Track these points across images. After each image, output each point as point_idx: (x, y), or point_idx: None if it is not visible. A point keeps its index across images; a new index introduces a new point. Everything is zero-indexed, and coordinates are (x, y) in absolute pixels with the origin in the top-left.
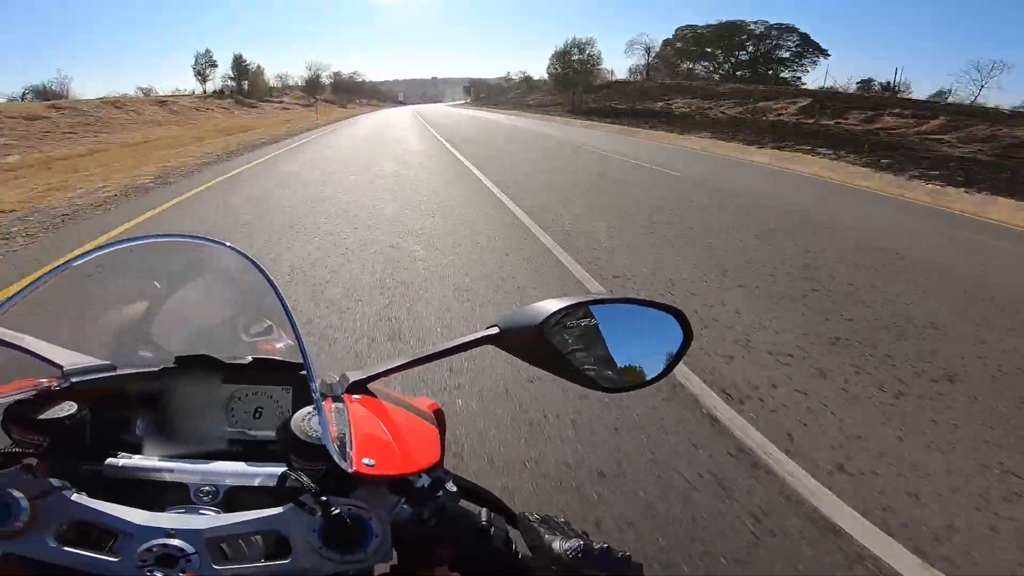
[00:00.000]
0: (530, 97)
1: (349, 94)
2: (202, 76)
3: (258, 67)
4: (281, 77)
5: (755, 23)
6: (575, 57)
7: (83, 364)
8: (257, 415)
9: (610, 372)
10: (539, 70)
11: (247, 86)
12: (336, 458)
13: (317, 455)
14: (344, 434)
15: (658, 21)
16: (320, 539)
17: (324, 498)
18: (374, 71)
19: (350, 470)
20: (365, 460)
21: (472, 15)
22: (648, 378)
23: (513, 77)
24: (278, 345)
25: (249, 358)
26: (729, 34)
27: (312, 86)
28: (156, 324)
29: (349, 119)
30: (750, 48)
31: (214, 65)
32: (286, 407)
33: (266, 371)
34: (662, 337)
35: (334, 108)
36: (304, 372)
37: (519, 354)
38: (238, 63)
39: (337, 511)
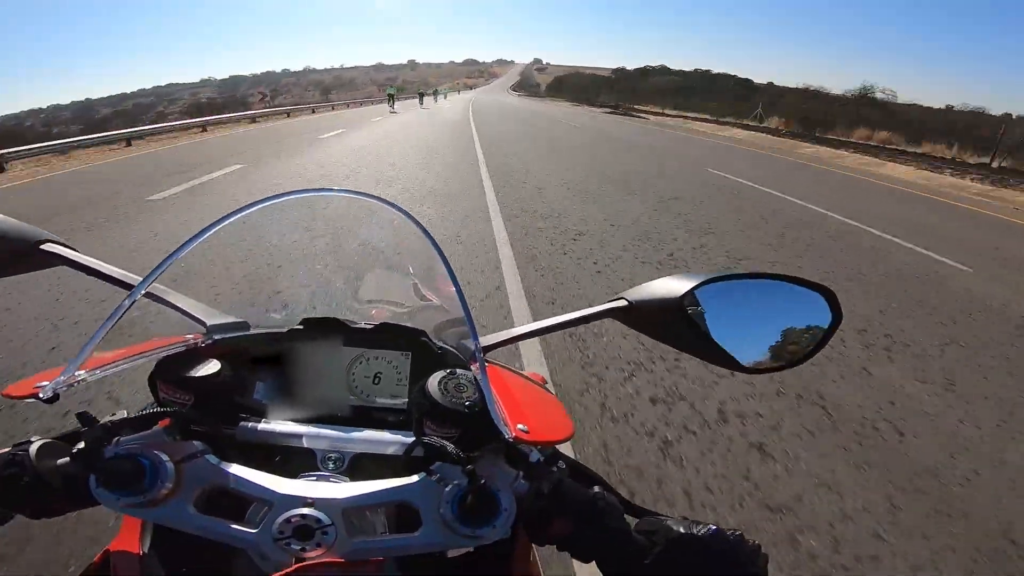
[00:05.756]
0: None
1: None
2: None
3: None
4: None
5: None
6: None
7: (222, 321)
8: (376, 381)
9: (751, 351)
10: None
11: None
12: (498, 423)
13: (451, 421)
14: (494, 400)
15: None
16: (454, 511)
17: (471, 467)
18: (335, 59)
19: (509, 436)
20: (520, 426)
21: None
22: (792, 359)
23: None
24: (389, 311)
25: (374, 322)
26: None
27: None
28: (287, 283)
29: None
30: None
31: None
32: (404, 373)
33: (386, 336)
34: (808, 317)
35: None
36: (425, 339)
37: (647, 330)
38: None
39: (484, 481)
